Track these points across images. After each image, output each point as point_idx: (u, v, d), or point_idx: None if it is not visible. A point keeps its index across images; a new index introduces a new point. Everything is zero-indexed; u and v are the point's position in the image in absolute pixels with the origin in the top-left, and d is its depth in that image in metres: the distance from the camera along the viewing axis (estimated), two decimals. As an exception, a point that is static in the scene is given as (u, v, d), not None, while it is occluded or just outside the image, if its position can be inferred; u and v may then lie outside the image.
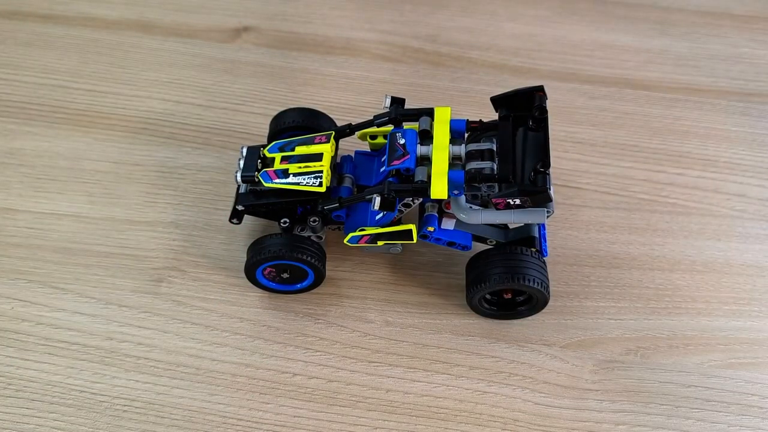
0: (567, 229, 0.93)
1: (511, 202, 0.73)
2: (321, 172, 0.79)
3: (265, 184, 0.80)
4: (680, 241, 0.92)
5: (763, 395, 0.81)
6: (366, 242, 0.81)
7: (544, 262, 0.80)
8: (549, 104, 0.76)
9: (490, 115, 0.81)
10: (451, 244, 0.81)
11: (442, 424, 0.78)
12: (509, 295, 0.82)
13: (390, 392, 0.80)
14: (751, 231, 0.93)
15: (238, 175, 0.80)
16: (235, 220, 0.83)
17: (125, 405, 0.78)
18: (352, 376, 0.81)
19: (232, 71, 1.07)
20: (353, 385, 0.81)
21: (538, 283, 0.77)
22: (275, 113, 0.91)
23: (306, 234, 0.82)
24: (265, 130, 0.98)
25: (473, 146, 0.77)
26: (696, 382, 0.82)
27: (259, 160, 0.81)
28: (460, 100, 1.05)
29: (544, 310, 0.83)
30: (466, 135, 0.80)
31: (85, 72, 1.06)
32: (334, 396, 0.80)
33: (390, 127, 0.83)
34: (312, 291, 0.86)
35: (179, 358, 0.82)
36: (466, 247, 0.81)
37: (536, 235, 0.81)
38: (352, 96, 1.05)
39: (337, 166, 0.85)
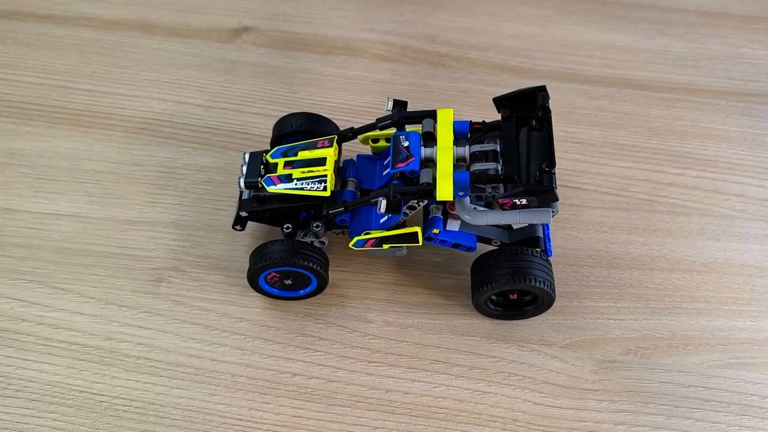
0: (567, 229, 0.93)
1: (518, 203, 0.73)
2: (325, 176, 0.79)
3: (269, 190, 0.80)
4: (680, 241, 0.92)
5: (763, 395, 0.81)
6: (371, 246, 0.81)
7: (549, 262, 0.80)
8: (549, 104, 0.76)
9: (490, 115, 0.81)
10: (456, 245, 0.81)
11: (442, 424, 0.79)
12: (515, 296, 0.82)
13: (390, 392, 0.80)
14: (750, 231, 0.94)
15: (241, 181, 0.80)
16: (238, 227, 0.83)
17: (125, 405, 0.79)
18: (351, 376, 0.81)
19: (232, 71, 1.07)
20: (353, 385, 0.81)
21: (544, 283, 0.77)
22: (275, 113, 0.91)
23: (308, 239, 0.82)
24: (265, 131, 0.98)
25: (477, 147, 0.77)
26: (695, 382, 0.82)
27: (262, 166, 0.81)
28: (460, 101, 1.05)
29: (544, 311, 0.84)
30: (469, 136, 0.80)
31: (85, 72, 1.06)
32: (333, 396, 0.80)
33: (392, 130, 0.83)
34: (312, 292, 0.86)
35: (179, 358, 0.82)
36: (471, 249, 0.81)
37: (540, 235, 0.81)
38: (351, 96, 1.05)
39: (339, 170, 0.85)
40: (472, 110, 1.02)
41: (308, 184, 0.79)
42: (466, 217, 0.77)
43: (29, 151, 0.97)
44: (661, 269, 0.90)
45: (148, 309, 0.85)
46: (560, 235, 0.92)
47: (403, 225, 0.80)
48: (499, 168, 0.75)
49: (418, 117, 0.81)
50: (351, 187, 0.83)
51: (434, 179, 0.75)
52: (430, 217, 0.80)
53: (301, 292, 0.84)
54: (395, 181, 0.77)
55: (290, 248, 0.79)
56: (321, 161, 0.80)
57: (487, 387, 0.81)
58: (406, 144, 0.78)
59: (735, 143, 1.02)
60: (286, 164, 0.81)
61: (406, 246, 0.81)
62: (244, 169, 0.81)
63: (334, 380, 0.81)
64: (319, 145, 0.82)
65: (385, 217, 0.80)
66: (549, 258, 0.81)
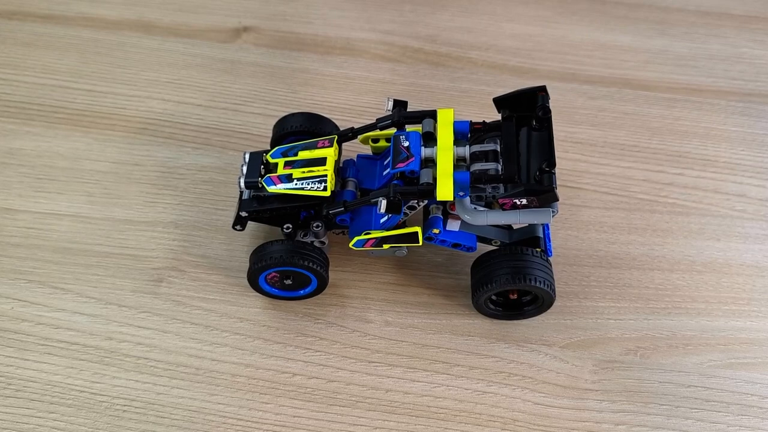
0: (567, 229, 0.93)
1: (518, 203, 0.73)
2: (325, 176, 0.79)
3: (269, 189, 0.80)
4: (680, 241, 0.92)
5: (763, 395, 0.81)
6: (371, 246, 0.81)
7: (549, 262, 0.80)
8: (549, 104, 0.77)
9: (490, 115, 0.81)
10: (456, 245, 0.81)
11: (441, 424, 0.79)
12: (515, 296, 0.82)
13: (390, 392, 0.80)
14: (750, 231, 0.94)
15: (242, 181, 0.80)
16: (238, 227, 0.82)
17: (125, 405, 0.79)
18: (351, 376, 0.81)
19: (232, 71, 1.07)
20: (353, 385, 0.81)
21: (544, 283, 0.77)
22: (275, 113, 0.91)
23: (308, 239, 0.82)
24: (265, 131, 0.98)
25: (477, 147, 0.77)
26: (695, 382, 0.82)
27: (262, 166, 0.81)
28: (460, 100, 1.05)
29: (544, 311, 0.84)
30: (469, 136, 0.80)
31: (85, 72, 1.06)
32: (333, 396, 0.80)
33: (392, 130, 0.83)
34: (312, 292, 0.86)
35: (179, 358, 0.82)
36: (471, 248, 0.81)
37: (540, 235, 0.81)
38: (351, 96, 1.05)
39: (339, 170, 0.85)
40: (472, 110, 1.02)
41: (308, 184, 0.79)
42: (466, 217, 0.77)
43: (29, 151, 0.97)
44: (661, 269, 0.90)
45: (148, 309, 0.85)
46: (560, 235, 0.92)
47: (403, 225, 0.80)
48: (500, 168, 0.75)
49: (418, 117, 0.81)
50: (351, 187, 0.83)
51: (434, 179, 0.75)
52: (430, 217, 0.80)
53: (301, 292, 0.84)
54: (395, 181, 0.77)
55: (290, 248, 0.79)
56: (321, 161, 0.80)
57: (487, 387, 0.81)
58: (406, 144, 0.78)
59: (735, 143, 1.02)
60: (287, 164, 0.81)
61: (406, 246, 0.81)
62: (244, 169, 0.81)
63: (334, 380, 0.81)
64: (320, 145, 0.82)
65: (385, 217, 0.80)
66: (549, 258, 0.81)
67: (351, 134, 0.84)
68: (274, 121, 0.92)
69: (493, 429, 0.78)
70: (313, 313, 0.85)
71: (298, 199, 0.80)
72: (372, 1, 1.17)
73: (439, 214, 0.80)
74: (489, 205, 0.79)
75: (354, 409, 0.79)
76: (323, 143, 0.82)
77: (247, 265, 0.82)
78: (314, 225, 0.81)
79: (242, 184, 0.81)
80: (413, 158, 0.77)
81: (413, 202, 0.78)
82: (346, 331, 0.84)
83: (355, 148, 0.90)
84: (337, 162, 0.83)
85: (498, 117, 0.79)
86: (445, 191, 0.73)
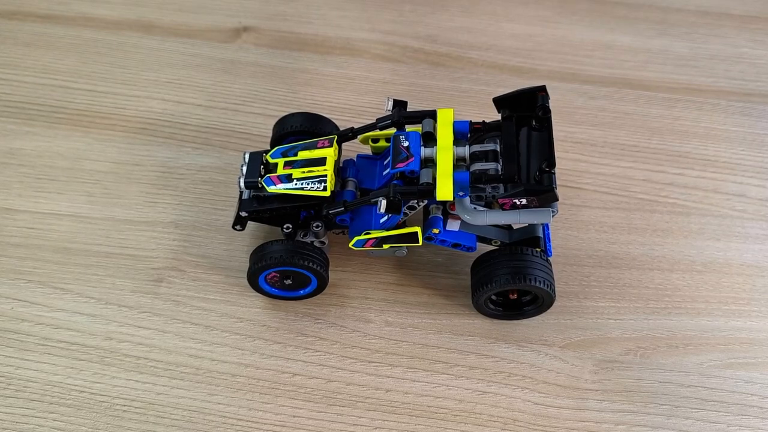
0: (567, 229, 0.93)
1: (518, 203, 0.73)
2: (325, 176, 0.79)
3: (269, 189, 0.80)
4: (680, 241, 0.92)
5: (763, 395, 0.81)
6: (371, 246, 0.81)
7: (549, 262, 0.80)
8: (549, 104, 0.77)
9: (490, 115, 0.81)
10: (456, 245, 0.81)
11: (441, 424, 0.79)
12: (515, 296, 0.82)
13: (390, 392, 0.80)
14: (750, 231, 0.94)
15: (241, 181, 0.80)
16: (238, 227, 0.83)
17: (125, 405, 0.79)
18: (351, 376, 0.81)
19: (232, 71, 1.07)
20: (353, 385, 0.81)
21: (544, 283, 0.77)
22: (275, 113, 0.91)
23: (308, 239, 0.82)
24: (265, 131, 0.98)
25: (477, 147, 0.77)
26: (695, 382, 0.82)
27: (262, 166, 0.81)
28: (460, 101, 1.05)
29: (544, 311, 0.83)
30: (469, 136, 0.80)
31: (85, 72, 1.06)
32: (333, 396, 0.80)
33: (392, 130, 0.83)
34: (312, 292, 0.86)
35: (179, 358, 0.82)
36: (470, 248, 0.81)
37: (540, 235, 0.81)
38: (351, 96, 1.05)
39: (339, 170, 0.85)
40: (472, 110, 1.02)
41: (308, 184, 0.79)
42: (466, 217, 0.77)
43: (29, 151, 0.97)
44: (661, 269, 0.90)
45: (148, 309, 0.85)
46: (560, 235, 0.92)
47: (403, 225, 0.80)
48: (499, 168, 0.75)
49: (418, 117, 0.81)
50: (351, 187, 0.83)
51: (434, 179, 0.75)
52: (430, 217, 0.80)
53: (301, 292, 0.84)
54: (395, 181, 0.77)
55: (290, 248, 0.79)
56: (321, 161, 0.80)
57: (487, 387, 0.81)
58: (406, 144, 0.78)
59: (735, 143, 1.02)
60: (286, 164, 0.81)
61: (406, 246, 0.81)
62: (244, 169, 0.81)
63: (334, 380, 0.81)
64: (319, 145, 0.82)
65: (385, 217, 0.80)
66: (549, 258, 0.81)
67: (351, 134, 0.84)
68: (274, 121, 0.92)
69: (493, 429, 0.78)
70: (313, 313, 0.85)
71: (298, 199, 0.80)
72: (372, 1, 1.17)
73: (439, 214, 0.80)
74: (489, 205, 0.79)
75: (354, 409, 0.79)
76: (323, 143, 0.82)
77: (247, 265, 0.82)
78: (314, 225, 0.81)
79: (242, 184, 0.81)
80: (413, 158, 0.77)
81: (413, 202, 0.78)
82: (346, 331, 0.84)
83: (355, 148, 0.90)
84: (337, 162, 0.83)
85: (498, 117, 0.79)
86: (444, 191, 0.73)
